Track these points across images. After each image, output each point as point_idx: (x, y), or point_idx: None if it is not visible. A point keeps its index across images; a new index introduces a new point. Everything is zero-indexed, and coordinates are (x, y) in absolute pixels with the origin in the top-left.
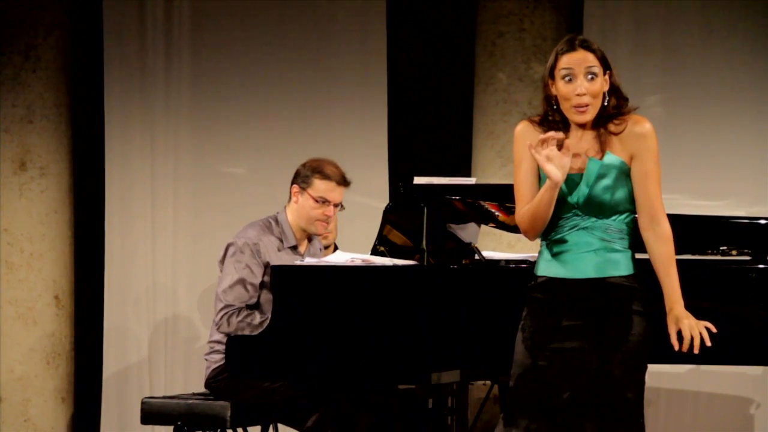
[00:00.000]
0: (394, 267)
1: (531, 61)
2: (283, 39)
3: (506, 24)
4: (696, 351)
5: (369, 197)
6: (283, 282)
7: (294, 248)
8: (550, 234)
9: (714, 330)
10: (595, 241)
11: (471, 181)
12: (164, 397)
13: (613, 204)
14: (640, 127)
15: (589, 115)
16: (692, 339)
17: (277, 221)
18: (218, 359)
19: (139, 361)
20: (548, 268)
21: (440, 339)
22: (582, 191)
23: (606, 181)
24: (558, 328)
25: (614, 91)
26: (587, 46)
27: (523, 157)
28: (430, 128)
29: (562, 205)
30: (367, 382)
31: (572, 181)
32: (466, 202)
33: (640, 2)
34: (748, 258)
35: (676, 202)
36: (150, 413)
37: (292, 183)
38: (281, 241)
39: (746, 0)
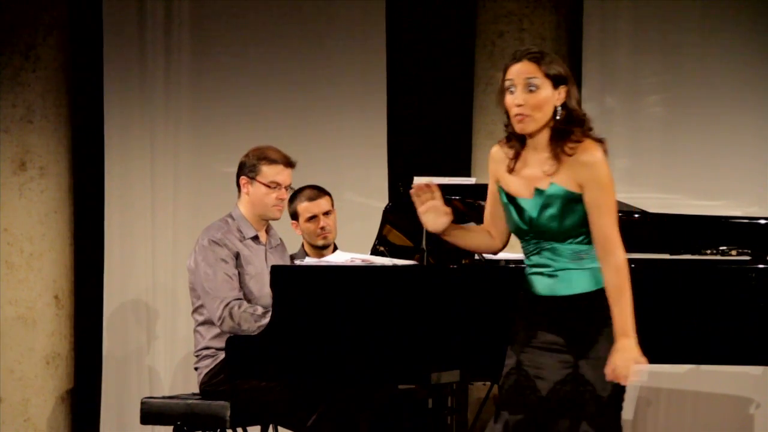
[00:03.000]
0: (394, 267)
1: None
2: (283, 39)
3: (506, 24)
4: (622, 382)
5: (369, 197)
6: (283, 282)
7: (255, 239)
8: (524, 252)
9: (635, 363)
10: (552, 263)
11: (471, 181)
12: (164, 397)
13: (563, 231)
14: (587, 156)
15: (528, 127)
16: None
17: (232, 217)
18: (208, 363)
19: (139, 361)
20: (525, 282)
21: (440, 339)
22: (529, 219)
23: (551, 211)
24: (536, 330)
25: (566, 105)
26: (532, 58)
27: (490, 180)
28: (430, 128)
29: (520, 232)
30: (367, 382)
31: (522, 207)
32: (466, 202)
33: (640, 2)
34: (748, 258)
35: (676, 202)
36: (150, 413)
37: (239, 176)
38: (241, 234)
39: (746, 0)
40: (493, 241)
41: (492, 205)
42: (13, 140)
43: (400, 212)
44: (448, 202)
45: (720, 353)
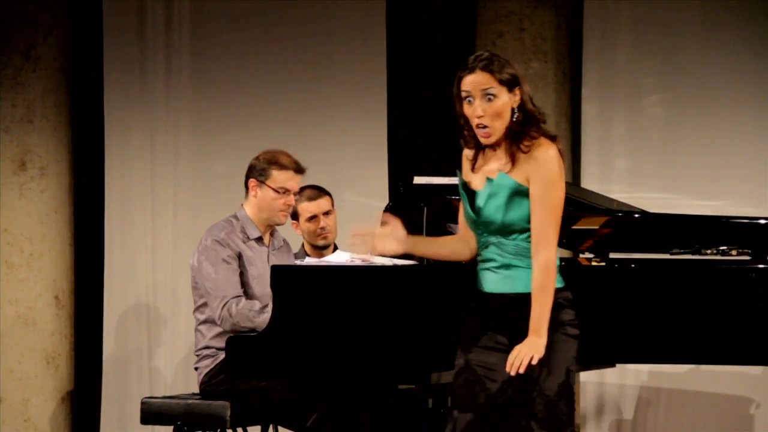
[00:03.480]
0: (394, 267)
1: (531, 61)
2: (283, 39)
3: (506, 24)
4: (511, 372)
5: (369, 197)
6: (283, 282)
7: (259, 239)
8: (477, 248)
9: (534, 362)
10: (498, 258)
11: None
12: (164, 397)
13: (508, 223)
14: (539, 151)
15: (492, 138)
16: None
17: (237, 218)
18: (209, 363)
19: (139, 361)
20: (476, 280)
21: (440, 339)
22: (478, 209)
23: (497, 201)
24: (484, 329)
25: (523, 107)
26: (486, 67)
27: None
28: (430, 128)
29: (472, 223)
30: (367, 381)
31: (475, 197)
32: None
33: (640, 2)
34: (748, 258)
35: (676, 202)
36: (150, 413)
37: (248, 177)
38: (245, 234)
39: (746, 0)
40: (468, 245)
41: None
42: (13, 140)
43: (400, 212)
44: (448, 202)
45: (720, 353)
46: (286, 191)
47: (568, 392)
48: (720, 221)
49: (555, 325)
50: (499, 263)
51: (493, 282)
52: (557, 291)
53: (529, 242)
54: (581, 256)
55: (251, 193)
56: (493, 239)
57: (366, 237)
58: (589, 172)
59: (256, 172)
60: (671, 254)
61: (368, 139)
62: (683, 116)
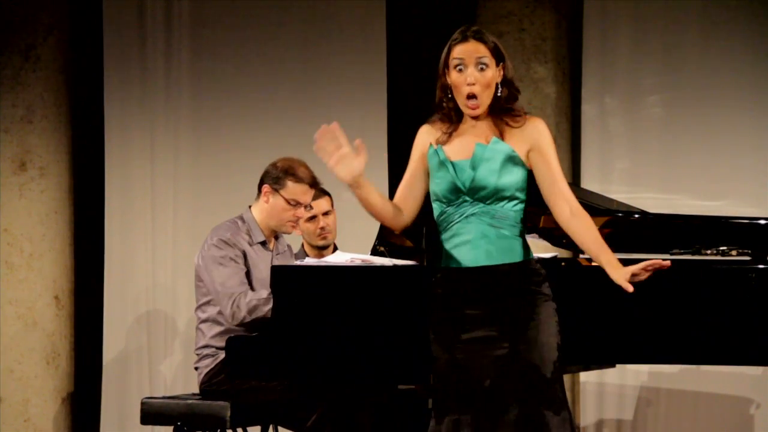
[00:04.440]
0: (394, 267)
1: (531, 61)
2: (283, 39)
3: (506, 24)
4: (658, 267)
5: None
6: (283, 282)
7: (263, 244)
8: (445, 225)
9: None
10: (485, 228)
11: None
12: (164, 397)
13: (499, 188)
14: (538, 122)
15: (480, 110)
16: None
17: (243, 220)
18: (209, 363)
19: (139, 361)
20: (446, 260)
21: None
22: (468, 175)
23: (491, 165)
24: (463, 319)
25: (507, 82)
26: (479, 38)
27: (412, 157)
28: None
29: (453, 193)
30: (367, 382)
31: (461, 167)
32: None
33: (640, 2)
34: (748, 258)
35: (676, 202)
36: (150, 413)
37: (262, 182)
38: (250, 237)
39: (746, 0)
40: (402, 216)
41: (409, 181)
42: (13, 140)
43: None
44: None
45: (720, 353)
46: (298, 204)
47: (561, 368)
48: (720, 221)
49: (542, 300)
50: (488, 233)
51: (480, 255)
52: (535, 261)
53: (514, 211)
54: (581, 256)
55: (263, 198)
56: (475, 209)
57: (332, 142)
58: (589, 172)
59: (272, 179)
60: (671, 254)
61: (368, 140)
62: (683, 116)
